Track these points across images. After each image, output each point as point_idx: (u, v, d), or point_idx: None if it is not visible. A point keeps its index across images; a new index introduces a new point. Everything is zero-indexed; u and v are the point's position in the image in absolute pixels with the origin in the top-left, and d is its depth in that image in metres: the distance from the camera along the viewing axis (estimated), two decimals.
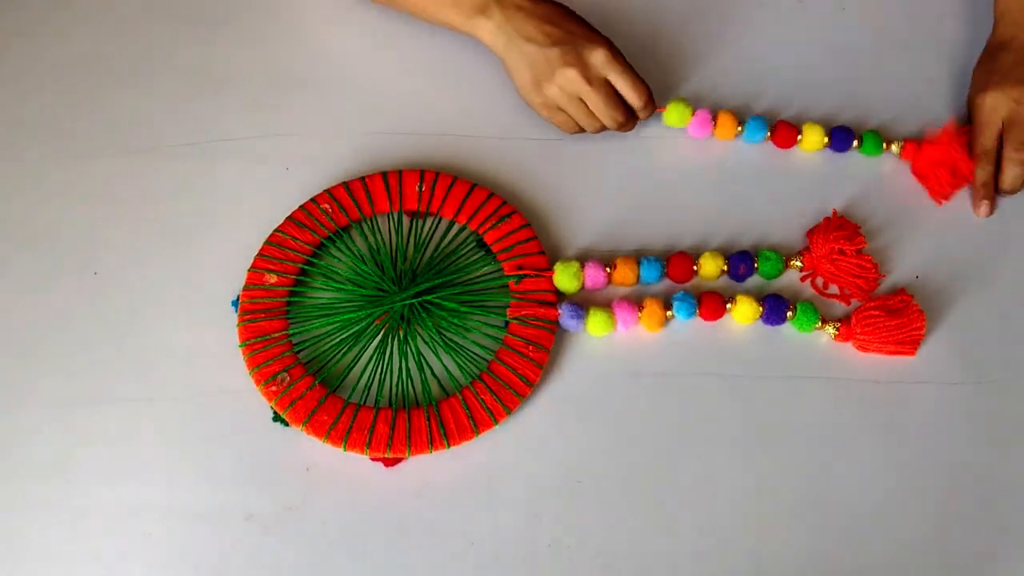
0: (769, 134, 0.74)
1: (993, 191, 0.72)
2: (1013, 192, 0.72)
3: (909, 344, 0.67)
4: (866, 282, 0.69)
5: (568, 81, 0.68)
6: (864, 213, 0.73)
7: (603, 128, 0.72)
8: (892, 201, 0.73)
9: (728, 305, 0.67)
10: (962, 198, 0.74)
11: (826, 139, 0.74)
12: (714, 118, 0.74)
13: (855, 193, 0.73)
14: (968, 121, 0.75)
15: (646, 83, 0.70)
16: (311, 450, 0.62)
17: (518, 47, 0.68)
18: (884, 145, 0.74)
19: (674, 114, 0.74)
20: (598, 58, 0.67)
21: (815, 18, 0.83)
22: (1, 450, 0.63)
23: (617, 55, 0.68)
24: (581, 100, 0.69)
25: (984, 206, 0.72)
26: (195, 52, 0.78)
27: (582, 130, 0.72)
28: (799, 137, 0.74)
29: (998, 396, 0.66)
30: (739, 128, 0.74)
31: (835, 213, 0.71)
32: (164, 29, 0.79)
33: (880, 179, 0.74)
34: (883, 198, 0.73)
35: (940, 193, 0.73)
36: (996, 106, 0.71)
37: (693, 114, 0.74)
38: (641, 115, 0.72)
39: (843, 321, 0.67)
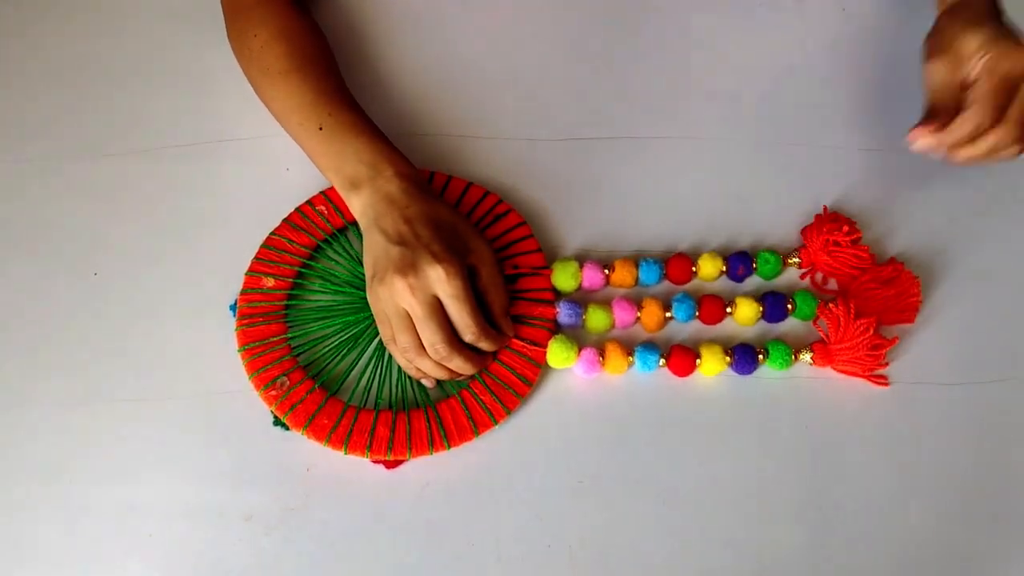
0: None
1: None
2: (989, 156, 0.62)
3: (909, 311, 0.67)
4: (863, 272, 0.68)
5: (395, 289, 0.59)
6: (859, 210, 0.72)
7: (421, 359, 0.62)
8: (887, 201, 0.73)
9: (728, 309, 0.67)
10: (963, 197, 0.73)
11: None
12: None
13: (846, 190, 0.73)
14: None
15: (479, 316, 0.61)
16: (311, 451, 0.62)
17: (372, 235, 0.62)
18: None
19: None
20: (432, 275, 0.59)
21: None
22: (1, 450, 0.63)
23: (457, 279, 0.59)
24: (408, 315, 0.61)
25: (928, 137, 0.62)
26: (195, 52, 0.78)
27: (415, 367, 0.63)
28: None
29: (998, 396, 0.66)
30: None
31: (825, 209, 0.71)
32: (164, 29, 0.79)
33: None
34: (874, 196, 0.73)
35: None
36: (982, 45, 0.61)
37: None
38: (479, 347, 0.63)
39: (839, 297, 0.67)
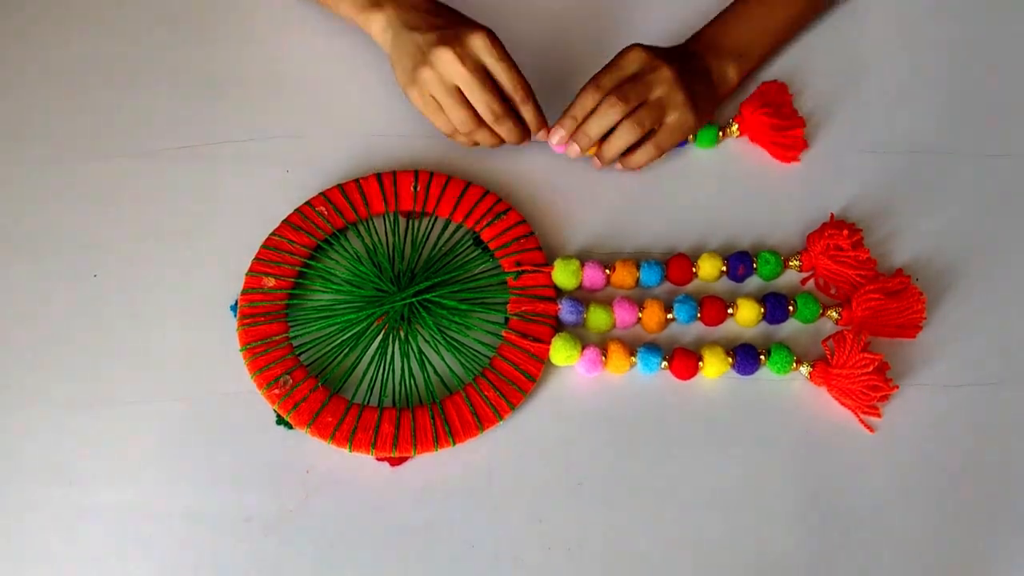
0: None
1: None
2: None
3: (910, 328, 0.66)
4: (864, 277, 0.68)
5: (442, 63, 0.63)
6: (863, 215, 0.72)
7: (480, 130, 0.66)
8: (888, 205, 0.73)
9: (730, 310, 0.67)
10: (967, 200, 0.73)
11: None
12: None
13: (849, 194, 0.73)
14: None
15: (524, 77, 0.66)
16: (311, 452, 0.62)
17: (402, 37, 0.66)
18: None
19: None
20: (476, 42, 0.63)
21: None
22: (2, 452, 0.63)
23: (497, 43, 0.64)
24: (458, 91, 0.65)
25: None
26: (194, 55, 0.78)
27: (473, 142, 0.68)
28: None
29: (998, 398, 0.66)
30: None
31: (832, 217, 0.71)
32: (163, 32, 0.80)
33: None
34: (878, 199, 0.73)
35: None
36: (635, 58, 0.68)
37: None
38: (522, 111, 0.67)
39: (844, 306, 0.67)
